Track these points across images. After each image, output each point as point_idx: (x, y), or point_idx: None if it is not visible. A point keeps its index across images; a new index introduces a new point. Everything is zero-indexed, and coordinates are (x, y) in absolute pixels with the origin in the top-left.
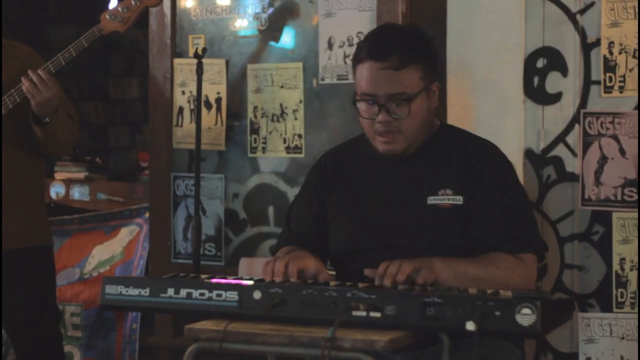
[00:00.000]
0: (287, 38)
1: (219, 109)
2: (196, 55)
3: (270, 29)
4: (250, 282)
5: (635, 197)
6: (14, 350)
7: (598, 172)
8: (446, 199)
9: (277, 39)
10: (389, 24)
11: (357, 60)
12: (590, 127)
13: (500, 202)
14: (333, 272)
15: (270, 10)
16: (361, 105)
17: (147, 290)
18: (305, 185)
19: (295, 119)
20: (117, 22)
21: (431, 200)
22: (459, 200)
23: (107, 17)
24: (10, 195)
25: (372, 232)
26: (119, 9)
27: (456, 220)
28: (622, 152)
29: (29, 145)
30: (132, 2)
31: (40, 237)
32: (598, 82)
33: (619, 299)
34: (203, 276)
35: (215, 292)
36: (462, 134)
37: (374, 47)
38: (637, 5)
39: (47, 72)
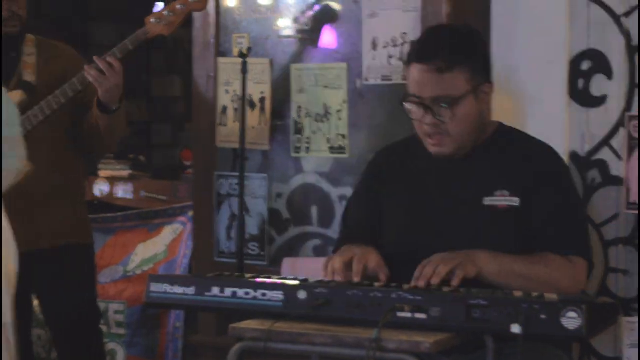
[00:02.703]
0: (331, 38)
1: (262, 108)
2: (241, 55)
3: (314, 30)
4: (296, 282)
5: None
6: (56, 348)
7: None
8: (502, 199)
9: (320, 39)
10: (441, 25)
11: (407, 61)
12: (635, 131)
13: (554, 204)
14: None
15: (314, 10)
16: (410, 106)
17: (193, 288)
18: (360, 183)
19: (339, 119)
20: (162, 25)
21: (487, 200)
22: (515, 201)
23: (152, 20)
24: (51, 194)
25: (427, 233)
26: (164, 12)
27: (512, 221)
28: None
29: (71, 145)
30: (178, 6)
31: (81, 235)
32: None
33: None
34: (247, 275)
35: (260, 291)
36: (521, 135)
37: (421, 49)
38: None
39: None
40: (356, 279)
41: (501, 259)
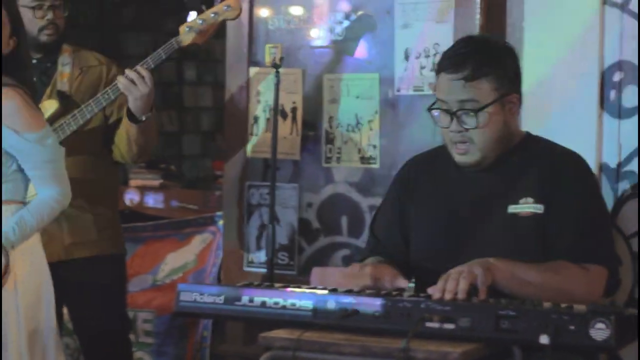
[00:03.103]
0: (364, 49)
1: (294, 118)
2: (274, 65)
3: (347, 40)
4: (325, 292)
5: None
6: (84, 357)
7: None
8: (527, 207)
9: (353, 50)
10: (471, 36)
11: (436, 71)
12: None
13: (575, 212)
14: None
15: (348, 21)
16: (437, 114)
17: (222, 297)
18: (388, 193)
19: (371, 129)
20: (195, 34)
21: (511, 209)
22: (539, 209)
23: (186, 29)
24: (84, 204)
25: (453, 242)
26: (197, 21)
27: (535, 229)
28: None
29: (105, 154)
30: (211, 15)
31: (113, 245)
32: None
33: None
34: (277, 285)
35: (289, 301)
36: (548, 144)
37: (449, 59)
38: None
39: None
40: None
41: (513, 267)
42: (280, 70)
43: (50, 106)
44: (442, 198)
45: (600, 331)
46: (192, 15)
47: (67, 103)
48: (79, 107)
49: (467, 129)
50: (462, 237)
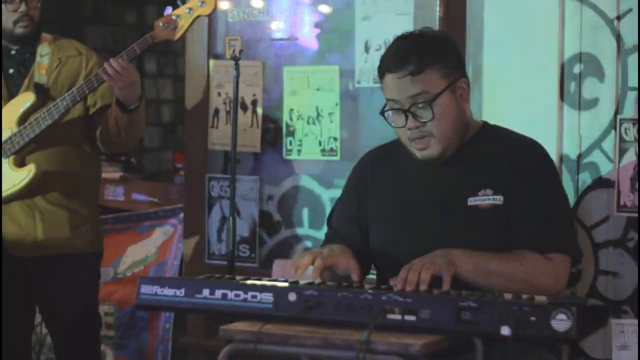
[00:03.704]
0: (324, 41)
1: (254, 111)
2: (233, 57)
3: (307, 32)
4: (286, 284)
5: None
6: (54, 352)
7: (634, 179)
8: (486, 199)
9: (313, 42)
10: (403, 34)
11: (379, 75)
12: (626, 134)
13: (536, 201)
14: (372, 276)
15: (308, 13)
16: (390, 115)
17: (183, 290)
18: (346, 186)
19: (331, 121)
20: (169, 30)
21: (471, 201)
22: (499, 200)
23: (160, 24)
24: (61, 198)
25: (412, 235)
26: (172, 16)
27: (496, 221)
28: None
29: (87, 146)
30: (186, 11)
31: (89, 243)
32: (635, 89)
33: None
34: (238, 277)
35: (250, 293)
36: (505, 132)
37: (390, 60)
38: None
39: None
40: (314, 278)
41: (477, 258)
42: (240, 62)
43: (26, 99)
44: (402, 191)
45: (561, 322)
46: (167, 11)
47: (44, 95)
48: (55, 100)
49: (424, 123)
50: (423, 230)
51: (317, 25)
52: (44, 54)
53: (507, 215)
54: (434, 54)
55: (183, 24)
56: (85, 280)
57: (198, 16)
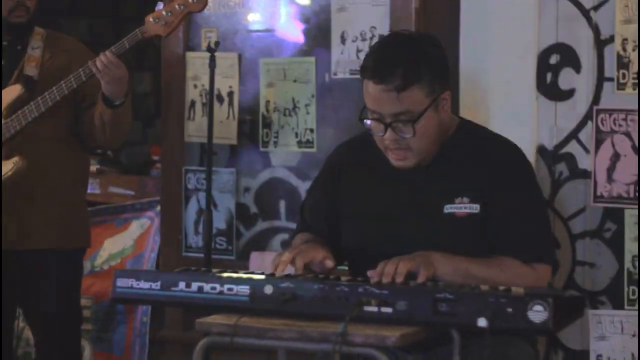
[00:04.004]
0: (300, 32)
1: (231, 103)
2: (209, 49)
3: (283, 24)
4: (262, 277)
5: None
6: (35, 346)
7: (610, 169)
8: (462, 207)
9: (289, 33)
10: (395, 37)
11: (362, 75)
12: (603, 124)
13: (516, 209)
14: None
15: (284, 4)
16: (369, 122)
17: (158, 283)
18: (319, 175)
19: (307, 113)
20: (160, 25)
21: (448, 208)
22: (475, 208)
23: (151, 20)
24: (48, 193)
25: (388, 238)
26: (163, 12)
27: (472, 229)
28: (635, 149)
29: (72, 143)
30: (177, 7)
31: (77, 239)
32: (611, 79)
33: (631, 297)
34: (214, 270)
35: (226, 286)
36: (481, 134)
37: (376, 67)
38: None
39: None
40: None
41: (457, 262)
42: (217, 54)
43: (12, 91)
44: (377, 192)
45: (538, 314)
46: (159, 6)
47: (33, 89)
48: (43, 94)
49: (403, 137)
50: (399, 234)
51: (293, 16)
52: (36, 47)
53: (484, 223)
54: (420, 67)
55: (173, 19)
56: (69, 276)
57: (189, 12)
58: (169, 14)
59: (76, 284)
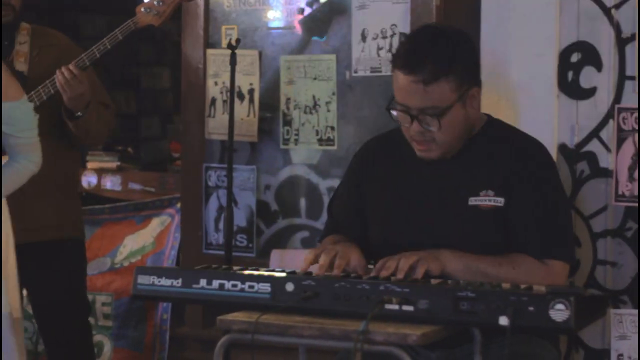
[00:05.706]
0: (321, 30)
1: (251, 100)
2: (230, 46)
3: (304, 21)
4: (283, 274)
5: None
6: (44, 342)
7: (632, 168)
8: (487, 200)
9: (310, 31)
10: (426, 29)
11: (393, 65)
12: (624, 123)
13: (534, 206)
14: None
15: (304, 2)
16: (396, 112)
17: (180, 280)
18: (346, 174)
19: (328, 111)
20: (152, 15)
21: (472, 201)
22: (500, 202)
23: (142, 10)
24: (43, 187)
25: (412, 232)
26: (155, 2)
27: (496, 222)
28: None
29: (63, 137)
30: None
31: (72, 229)
32: (633, 78)
33: None
34: (235, 267)
35: (247, 283)
36: (508, 131)
37: (406, 58)
38: None
39: (79, 67)
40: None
41: (467, 258)
42: (237, 51)
43: None
44: (402, 185)
45: (559, 312)
46: None
47: (24, 84)
48: (34, 89)
49: (429, 130)
50: (423, 227)
51: (314, 13)
52: (23, 42)
53: (509, 217)
54: (450, 61)
55: (165, 9)
56: (68, 267)
57: (180, 2)
58: (161, 3)
59: (78, 275)
